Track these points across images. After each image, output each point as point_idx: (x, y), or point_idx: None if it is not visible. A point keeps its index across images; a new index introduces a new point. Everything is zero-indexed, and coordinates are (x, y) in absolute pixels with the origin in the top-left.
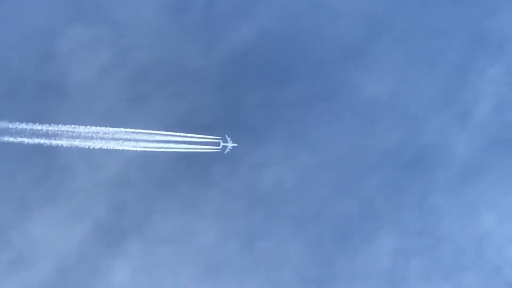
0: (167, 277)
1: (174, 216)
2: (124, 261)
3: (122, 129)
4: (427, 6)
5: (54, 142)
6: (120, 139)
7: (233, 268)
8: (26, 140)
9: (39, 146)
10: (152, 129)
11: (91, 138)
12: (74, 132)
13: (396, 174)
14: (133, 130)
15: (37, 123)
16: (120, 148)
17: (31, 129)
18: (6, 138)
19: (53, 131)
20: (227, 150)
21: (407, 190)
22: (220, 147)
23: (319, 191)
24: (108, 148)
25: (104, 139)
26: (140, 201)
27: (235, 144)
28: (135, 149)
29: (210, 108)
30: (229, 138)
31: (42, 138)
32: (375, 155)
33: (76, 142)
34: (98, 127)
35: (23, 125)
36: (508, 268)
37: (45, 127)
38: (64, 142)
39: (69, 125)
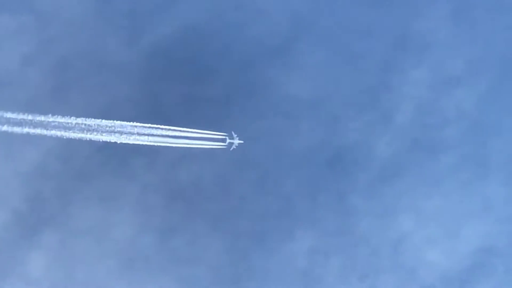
0: (83, 270)
1: (92, 208)
2: (40, 252)
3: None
4: (352, 6)
5: None
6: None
7: (150, 263)
8: None
9: None
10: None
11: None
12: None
13: (316, 173)
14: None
15: None
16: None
17: None
18: None
19: None
20: (233, 147)
21: (326, 190)
22: (226, 144)
23: (239, 188)
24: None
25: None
26: (58, 192)
27: (242, 141)
28: (143, 143)
29: (130, 101)
30: (236, 135)
31: None
32: (295, 153)
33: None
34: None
35: None
36: (424, 271)
37: None
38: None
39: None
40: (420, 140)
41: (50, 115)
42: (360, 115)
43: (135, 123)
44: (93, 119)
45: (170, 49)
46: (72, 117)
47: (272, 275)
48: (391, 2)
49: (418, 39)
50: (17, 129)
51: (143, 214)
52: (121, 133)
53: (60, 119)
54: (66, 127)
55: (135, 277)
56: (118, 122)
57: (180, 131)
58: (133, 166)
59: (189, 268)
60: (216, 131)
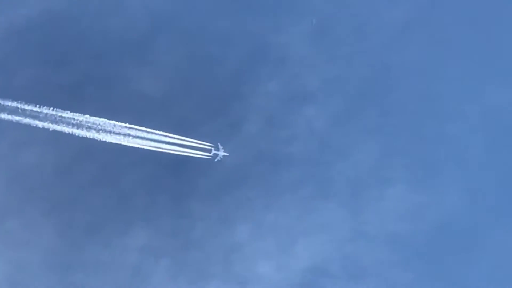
0: None
1: None
2: None
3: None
4: (214, 11)
5: None
6: None
7: None
8: None
9: None
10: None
11: None
12: None
13: (157, 173)
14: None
15: None
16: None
17: None
18: None
19: None
20: (218, 158)
21: (166, 190)
22: (211, 154)
23: (78, 178)
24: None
25: None
26: None
27: (227, 154)
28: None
29: None
30: (222, 147)
31: None
32: (139, 150)
33: None
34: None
35: None
36: (253, 283)
37: None
38: None
39: None
40: (265, 153)
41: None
42: (208, 120)
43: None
44: None
45: (26, 32)
46: None
47: (102, 267)
48: (253, 11)
49: (276, 52)
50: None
51: None
52: None
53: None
54: None
55: None
56: None
57: (171, 137)
58: None
59: (21, 252)
60: (203, 141)
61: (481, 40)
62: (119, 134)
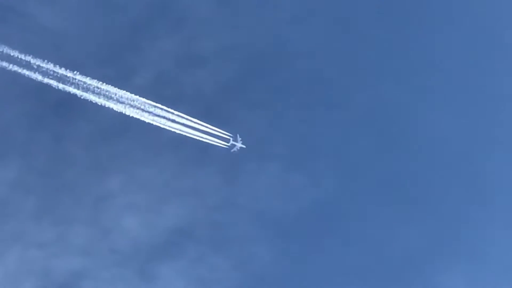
0: None
1: None
2: None
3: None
4: None
5: None
6: None
7: None
8: None
9: None
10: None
11: None
12: None
13: (40, 112)
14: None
15: None
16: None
17: None
18: None
19: None
20: (234, 149)
21: (46, 129)
22: (229, 144)
23: None
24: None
25: None
26: None
27: (244, 146)
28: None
29: None
30: (240, 139)
31: None
32: (27, 88)
33: None
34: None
35: None
36: (116, 235)
37: None
38: None
39: None
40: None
41: None
42: (97, 67)
43: None
44: None
45: None
46: None
47: None
48: None
49: (177, 9)
50: None
51: None
52: None
53: None
54: None
55: None
56: None
57: (192, 121)
58: None
59: None
60: (223, 129)
61: (382, 31)
62: (18, 64)
